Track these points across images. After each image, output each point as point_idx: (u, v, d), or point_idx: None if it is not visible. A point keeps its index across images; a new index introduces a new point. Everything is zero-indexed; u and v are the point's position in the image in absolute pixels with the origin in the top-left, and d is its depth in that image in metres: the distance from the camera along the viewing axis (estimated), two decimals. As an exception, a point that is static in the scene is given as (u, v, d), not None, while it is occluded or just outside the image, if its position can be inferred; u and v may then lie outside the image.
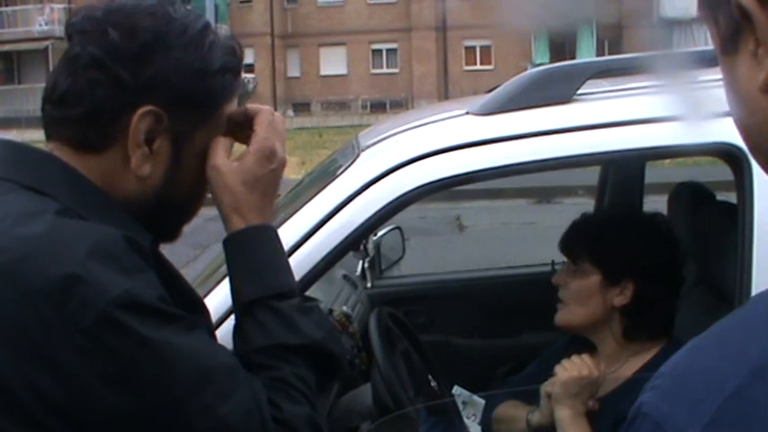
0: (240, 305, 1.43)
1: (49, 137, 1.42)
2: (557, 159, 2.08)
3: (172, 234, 1.51)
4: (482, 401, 2.76)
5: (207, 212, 1.56)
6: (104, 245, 1.25)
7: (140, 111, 1.35)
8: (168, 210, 1.43)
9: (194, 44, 1.38)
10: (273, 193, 1.49)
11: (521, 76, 2.19)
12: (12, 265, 1.23)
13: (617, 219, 2.59)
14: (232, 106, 1.46)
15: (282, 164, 1.49)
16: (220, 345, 1.36)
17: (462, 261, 8.46)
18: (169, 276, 1.36)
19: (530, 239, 10.04)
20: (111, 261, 1.24)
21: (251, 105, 1.51)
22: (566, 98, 2.11)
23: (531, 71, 2.19)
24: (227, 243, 1.47)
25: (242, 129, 1.48)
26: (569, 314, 2.42)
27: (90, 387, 1.21)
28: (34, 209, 1.31)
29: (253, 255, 1.46)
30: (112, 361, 1.21)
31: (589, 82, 2.15)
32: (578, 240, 2.45)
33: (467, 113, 2.19)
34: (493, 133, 2.08)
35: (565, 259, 2.57)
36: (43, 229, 1.26)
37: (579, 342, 2.48)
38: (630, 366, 2.39)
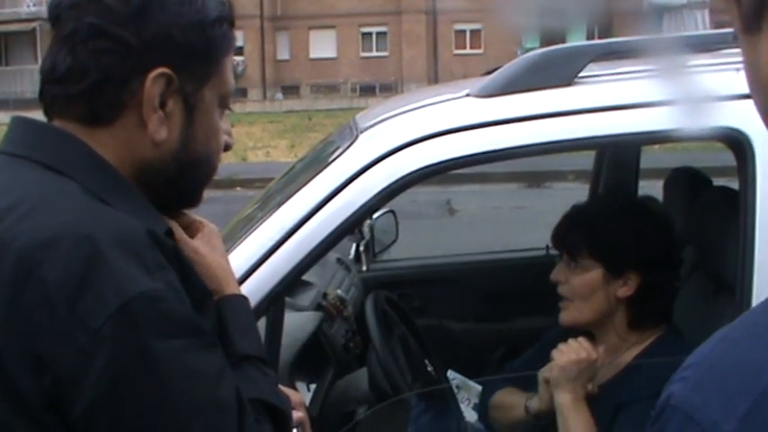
0: (236, 356, 1.42)
1: (51, 117, 1.39)
2: (559, 142, 2.05)
3: (195, 198, 1.49)
4: (477, 386, 2.75)
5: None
6: (128, 239, 1.23)
7: (152, 74, 1.33)
8: (189, 171, 1.42)
9: None
10: None
11: (521, 57, 2.16)
12: (30, 251, 1.20)
13: (612, 208, 2.53)
14: (231, 60, 1.46)
15: None
16: (228, 372, 1.31)
17: (453, 245, 8.44)
18: (185, 270, 1.33)
19: (520, 224, 10.06)
20: (133, 257, 1.21)
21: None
22: (567, 81, 2.08)
23: (532, 53, 2.16)
24: (225, 301, 1.49)
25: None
26: (575, 312, 2.39)
27: (84, 388, 1.18)
28: (55, 191, 1.28)
29: (246, 319, 1.52)
30: (110, 368, 1.18)
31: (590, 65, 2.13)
32: (575, 235, 2.41)
33: (467, 95, 2.16)
34: (494, 116, 2.05)
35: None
36: (65, 215, 1.24)
37: (573, 330, 2.47)
38: (629, 353, 2.37)
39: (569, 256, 2.39)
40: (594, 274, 2.34)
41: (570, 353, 2.25)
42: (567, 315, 2.40)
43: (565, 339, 2.36)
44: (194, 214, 1.57)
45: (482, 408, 2.66)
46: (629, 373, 2.32)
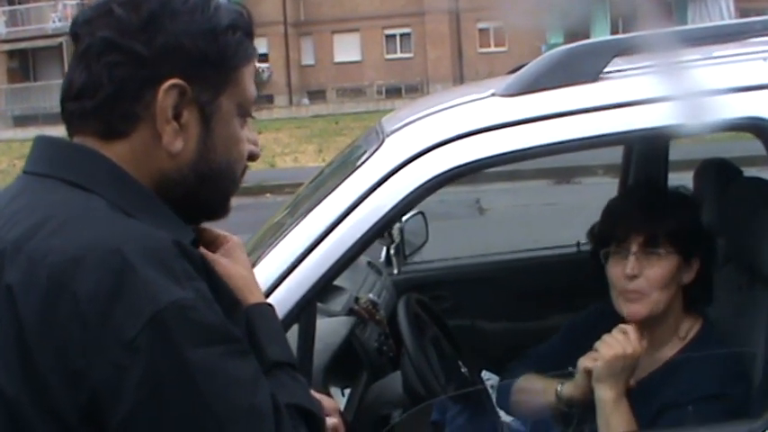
0: (268, 363, 1.42)
1: (71, 134, 1.40)
2: (586, 139, 2.04)
3: (220, 209, 1.49)
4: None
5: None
6: (156, 250, 1.23)
7: (164, 85, 1.33)
8: (209, 182, 1.42)
9: (200, 7, 1.38)
10: None
11: (545, 55, 2.15)
12: (61, 266, 1.21)
13: (676, 194, 2.54)
14: (251, 70, 1.45)
15: None
16: (262, 378, 1.32)
17: (484, 244, 8.41)
18: (213, 279, 1.33)
19: (551, 220, 10.01)
20: (162, 268, 1.22)
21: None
22: (592, 77, 2.07)
23: (556, 50, 2.15)
24: (252, 309, 1.49)
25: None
26: (651, 305, 2.32)
27: (121, 400, 1.18)
28: (82, 207, 1.30)
29: (274, 326, 1.52)
30: (147, 379, 1.18)
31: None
32: (656, 220, 2.35)
33: (493, 95, 2.15)
34: (520, 115, 2.04)
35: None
36: (93, 230, 1.25)
37: (609, 316, 2.45)
38: (669, 349, 2.37)
39: (648, 245, 2.32)
40: (673, 261, 2.31)
41: (617, 347, 2.21)
42: (642, 308, 2.31)
43: (595, 329, 2.34)
44: (224, 223, 1.58)
45: (501, 395, 2.64)
46: (671, 371, 2.31)
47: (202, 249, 1.48)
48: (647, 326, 2.34)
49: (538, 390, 2.49)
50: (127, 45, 1.33)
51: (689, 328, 2.37)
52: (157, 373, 1.19)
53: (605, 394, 2.22)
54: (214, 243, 1.55)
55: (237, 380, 1.26)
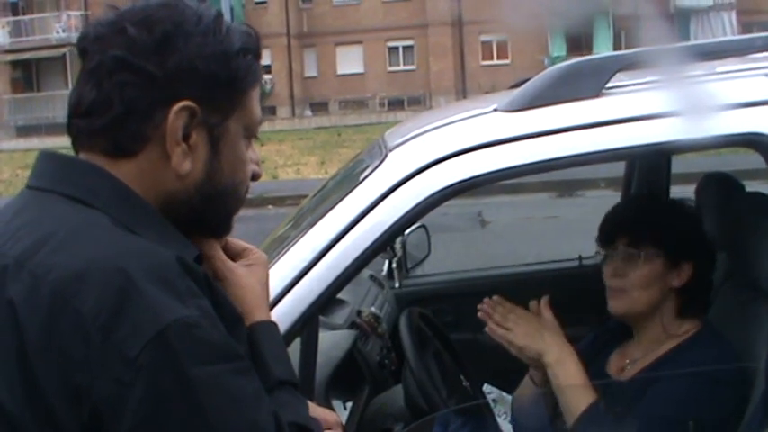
0: (273, 381, 1.43)
1: (77, 150, 1.40)
2: (588, 155, 2.05)
3: (224, 226, 1.50)
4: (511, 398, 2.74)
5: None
6: (159, 268, 1.23)
7: (175, 107, 1.33)
8: (214, 202, 1.42)
9: (212, 30, 1.38)
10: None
11: (548, 71, 2.15)
12: (64, 282, 1.21)
13: (669, 202, 2.62)
14: (257, 91, 1.46)
15: None
16: (264, 395, 1.32)
17: (486, 257, 8.43)
18: (216, 296, 1.33)
19: (553, 234, 10.02)
20: (165, 285, 1.22)
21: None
22: (595, 92, 2.07)
23: (558, 66, 2.16)
24: (259, 327, 1.50)
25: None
26: (630, 302, 2.39)
27: (123, 418, 1.18)
28: (85, 223, 1.29)
29: (280, 345, 1.54)
30: (149, 396, 1.18)
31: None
32: (640, 224, 2.42)
33: (495, 110, 2.16)
34: (522, 130, 2.04)
35: (592, 253, 2.56)
36: (96, 247, 1.25)
37: (611, 331, 2.47)
38: (665, 346, 2.40)
39: (631, 246, 2.38)
40: (656, 263, 2.36)
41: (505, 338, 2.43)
42: (621, 304, 2.40)
43: (595, 343, 2.37)
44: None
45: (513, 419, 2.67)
46: (664, 363, 2.33)
47: (221, 255, 1.50)
48: (635, 324, 2.43)
49: (522, 387, 2.63)
50: (139, 65, 1.33)
51: (685, 331, 2.40)
52: (160, 391, 1.19)
53: (545, 359, 2.35)
54: (240, 255, 1.56)
55: (239, 397, 1.26)
